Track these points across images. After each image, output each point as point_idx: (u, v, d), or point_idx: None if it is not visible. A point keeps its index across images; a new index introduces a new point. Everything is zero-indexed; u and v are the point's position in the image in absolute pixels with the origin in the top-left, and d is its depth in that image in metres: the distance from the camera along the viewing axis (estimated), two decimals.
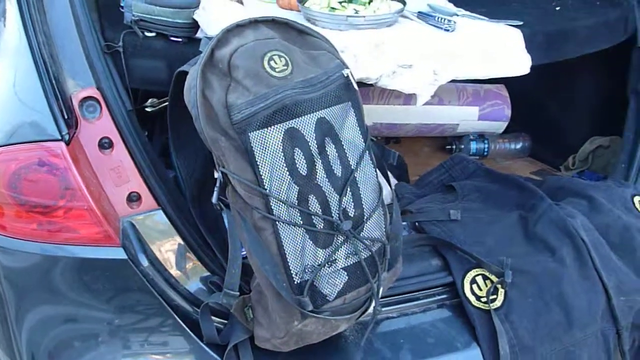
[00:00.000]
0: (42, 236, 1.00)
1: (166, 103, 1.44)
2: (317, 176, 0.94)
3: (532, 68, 1.22)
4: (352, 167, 0.97)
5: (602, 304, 1.17)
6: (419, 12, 1.28)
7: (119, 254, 0.99)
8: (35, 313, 1.04)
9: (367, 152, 0.99)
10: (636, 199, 1.35)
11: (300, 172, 0.92)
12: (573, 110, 1.72)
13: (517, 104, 1.81)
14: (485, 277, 1.17)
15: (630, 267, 1.23)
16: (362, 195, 0.98)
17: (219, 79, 0.92)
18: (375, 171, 1.01)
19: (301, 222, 0.93)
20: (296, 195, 0.92)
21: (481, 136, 1.85)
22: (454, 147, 1.86)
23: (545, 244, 1.23)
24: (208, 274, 1.08)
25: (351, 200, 0.96)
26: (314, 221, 0.94)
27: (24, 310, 1.04)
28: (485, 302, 1.14)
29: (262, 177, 0.91)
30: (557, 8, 1.41)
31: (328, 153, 0.95)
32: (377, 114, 1.76)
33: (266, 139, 0.90)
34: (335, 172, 0.95)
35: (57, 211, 0.99)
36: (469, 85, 1.84)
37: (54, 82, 0.98)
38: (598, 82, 1.64)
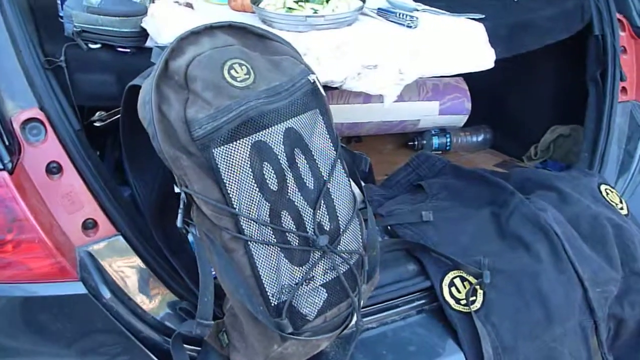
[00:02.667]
0: None
1: (116, 116, 1.36)
2: (289, 191, 0.88)
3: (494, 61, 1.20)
4: (325, 178, 0.92)
5: (579, 297, 1.17)
6: (379, 8, 1.24)
7: (78, 288, 0.91)
8: None
9: (338, 160, 0.94)
10: (602, 187, 1.35)
11: (271, 187, 0.87)
12: (533, 101, 1.73)
13: (476, 97, 1.79)
14: (463, 279, 1.15)
15: (602, 257, 1.23)
16: (336, 207, 0.93)
17: (176, 92, 0.85)
18: (348, 180, 0.96)
19: (275, 240, 0.87)
20: (268, 213, 0.87)
21: (443, 131, 1.83)
22: (416, 142, 1.84)
23: (520, 240, 1.21)
24: (176, 299, 1.01)
25: (325, 213, 0.92)
26: (288, 238, 0.88)
27: None
28: (465, 305, 1.11)
29: (230, 195, 0.85)
30: (515, 0, 1.40)
31: (299, 165, 0.89)
32: (337, 114, 1.69)
33: (232, 154, 0.84)
34: (307, 184, 0.90)
35: (4, 246, 0.90)
36: (428, 79, 1.81)
37: None
38: (556, 71, 1.65)
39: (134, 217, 1.01)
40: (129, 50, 1.04)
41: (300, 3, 1.15)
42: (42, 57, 0.98)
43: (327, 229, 0.91)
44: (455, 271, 1.15)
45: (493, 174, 1.44)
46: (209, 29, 0.89)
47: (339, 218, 0.93)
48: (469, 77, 1.82)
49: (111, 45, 1.03)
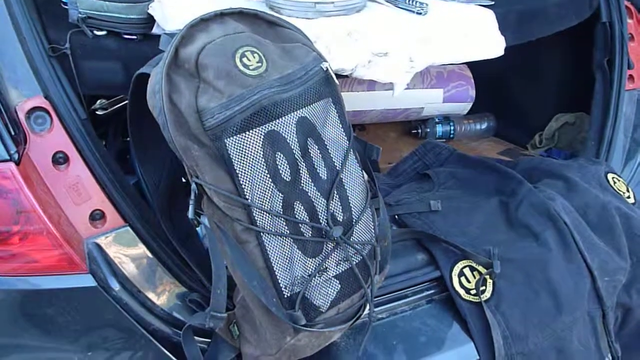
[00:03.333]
0: None
1: (119, 104, 1.33)
2: (302, 181, 0.87)
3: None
4: (338, 168, 0.90)
5: (588, 286, 1.16)
6: None
7: (87, 281, 0.89)
8: None
9: (351, 150, 0.93)
10: (610, 176, 1.35)
11: (284, 178, 0.85)
12: (537, 88, 1.71)
13: (481, 84, 1.78)
14: (472, 269, 1.14)
15: (610, 246, 1.22)
16: (349, 198, 0.92)
17: (186, 80, 0.83)
18: (361, 170, 0.95)
19: (288, 232, 0.86)
20: (281, 204, 0.85)
21: (446, 118, 1.82)
22: (420, 130, 1.82)
23: (529, 229, 1.20)
24: (185, 290, 1.00)
25: (339, 203, 0.90)
26: (301, 229, 0.87)
27: None
28: (475, 295, 1.11)
29: (243, 186, 0.83)
30: None
31: (312, 155, 0.88)
32: None
33: (244, 144, 0.82)
34: (320, 175, 0.89)
35: (11, 238, 0.88)
36: (432, 67, 1.79)
37: None
38: (562, 58, 1.63)
39: (141, 208, 0.99)
40: (135, 37, 1.01)
41: None
42: (46, 44, 0.96)
43: (341, 220, 0.90)
44: (464, 261, 1.15)
45: (500, 162, 1.43)
46: (219, 16, 0.87)
47: (352, 209, 0.92)
48: (473, 65, 1.80)
49: (117, 32, 1.00)
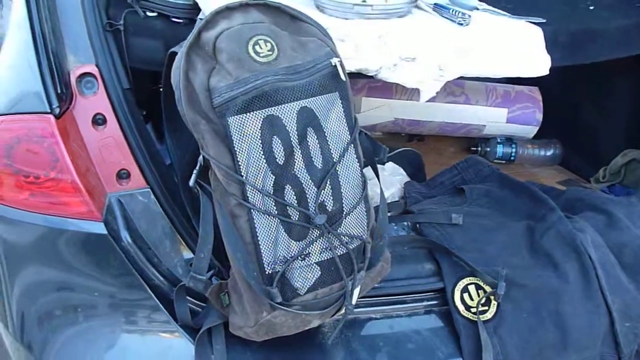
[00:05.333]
0: (33, 206, 1.03)
1: None
2: (295, 166, 0.91)
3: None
4: (334, 160, 0.94)
5: (605, 328, 1.09)
6: (435, 4, 1.22)
7: (99, 228, 1.00)
8: (24, 277, 1.07)
9: (352, 145, 0.96)
10: None
11: (278, 160, 0.90)
12: (608, 119, 1.61)
13: (551, 109, 1.71)
14: (478, 287, 1.12)
15: None
16: (342, 190, 0.94)
17: (204, 61, 0.91)
18: (360, 166, 0.97)
19: (276, 212, 0.91)
20: (272, 184, 0.90)
21: (509, 140, 1.76)
22: (479, 149, 1.79)
23: (549, 258, 1.15)
24: (192, 256, 1.08)
25: (330, 193, 0.93)
26: (288, 212, 0.91)
27: (15, 275, 1.07)
28: (474, 313, 1.09)
29: (239, 163, 0.89)
30: (591, 7, 1.32)
31: (309, 143, 0.92)
32: (399, 109, 1.71)
33: (244, 124, 0.89)
34: (315, 163, 0.92)
35: (47, 182, 1.01)
36: (500, 85, 1.76)
37: (51, 56, 1.00)
38: (635, 90, 1.53)
39: (164, 175, 1.09)
40: (182, 20, 1.12)
41: None
42: (104, 20, 1.09)
43: (329, 210, 0.93)
44: (471, 278, 1.13)
45: (542, 188, 1.37)
46: (244, 6, 0.94)
47: (343, 201, 0.94)
48: (543, 88, 1.74)
49: (166, 15, 1.11)
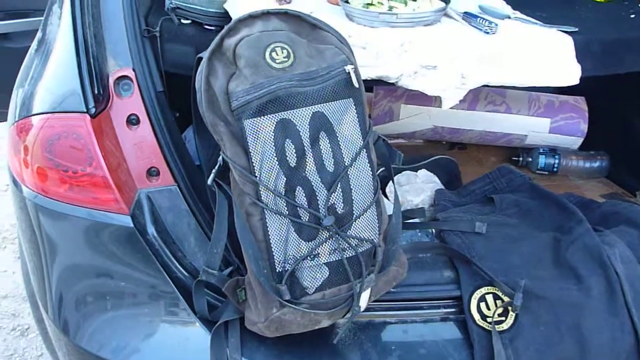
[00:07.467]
0: (71, 198, 1.11)
1: None
2: (307, 169, 0.94)
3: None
4: (346, 164, 0.96)
5: (628, 347, 1.05)
6: (465, 12, 1.22)
7: (126, 221, 1.07)
8: (61, 264, 1.15)
9: (364, 150, 0.98)
10: None
11: (290, 162, 0.94)
12: None
13: (598, 120, 1.65)
14: (496, 297, 1.10)
15: None
16: (353, 193, 0.97)
17: (225, 66, 0.96)
18: (372, 170, 0.99)
19: (287, 212, 0.94)
20: (284, 186, 0.94)
21: (552, 151, 1.71)
22: (521, 159, 1.75)
23: (573, 271, 1.12)
24: None
25: (341, 196, 0.96)
26: (299, 213, 0.95)
27: (53, 261, 1.16)
28: (490, 323, 1.07)
29: (254, 164, 0.94)
30: (632, 16, 1.27)
31: (321, 147, 0.95)
32: (438, 117, 1.71)
33: (258, 127, 0.93)
34: (326, 166, 0.95)
35: (84, 177, 1.09)
36: (544, 95, 1.71)
37: (92, 60, 1.08)
38: None
39: (192, 175, 1.15)
40: (213, 28, 1.18)
41: (380, 0, 1.19)
42: (143, 26, 1.16)
43: (339, 212, 0.95)
44: (489, 287, 1.11)
45: (579, 201, 1.33)
46: (266, 14, 0.99)
47: (353, 204, 0.96)
48: (591, 98, 1.68)
49: (199, 23, 1.17)
